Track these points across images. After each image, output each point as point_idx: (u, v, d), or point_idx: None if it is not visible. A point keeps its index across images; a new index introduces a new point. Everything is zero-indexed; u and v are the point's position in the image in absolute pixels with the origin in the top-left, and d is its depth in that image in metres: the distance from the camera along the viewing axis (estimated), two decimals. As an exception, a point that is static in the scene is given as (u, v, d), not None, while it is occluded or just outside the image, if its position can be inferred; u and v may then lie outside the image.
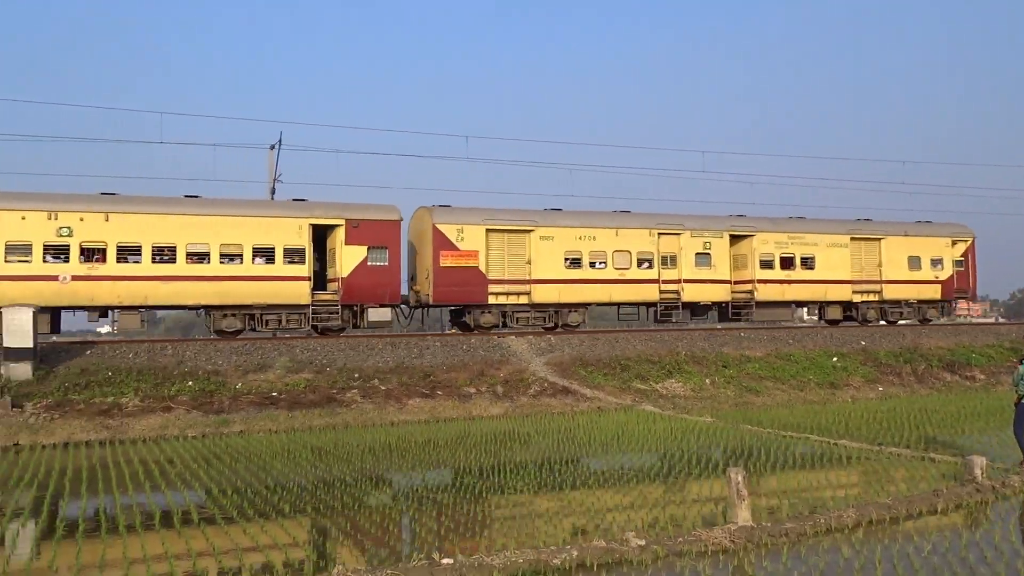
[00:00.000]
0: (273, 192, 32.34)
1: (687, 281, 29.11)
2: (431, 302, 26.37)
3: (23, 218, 22.03)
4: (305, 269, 24.55)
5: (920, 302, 32.76)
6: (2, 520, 10.21)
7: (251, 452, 15.15)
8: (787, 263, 30.60)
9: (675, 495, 10.96)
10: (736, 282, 30.26)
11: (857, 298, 31.80)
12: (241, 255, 23.90)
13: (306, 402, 19.82)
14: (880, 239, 32.28)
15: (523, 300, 27.08)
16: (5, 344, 19.48)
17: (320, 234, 25.56)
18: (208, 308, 24.12)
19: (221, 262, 23.69)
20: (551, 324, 27.42)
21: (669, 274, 28.99)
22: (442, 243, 26.17)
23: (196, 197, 24.55)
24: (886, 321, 32.36)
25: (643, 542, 8.00)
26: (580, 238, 27.93)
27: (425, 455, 14.60)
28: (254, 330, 24.67)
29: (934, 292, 32.89)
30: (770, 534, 8.42)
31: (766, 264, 30.23)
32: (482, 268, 26.58)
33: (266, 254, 24.20)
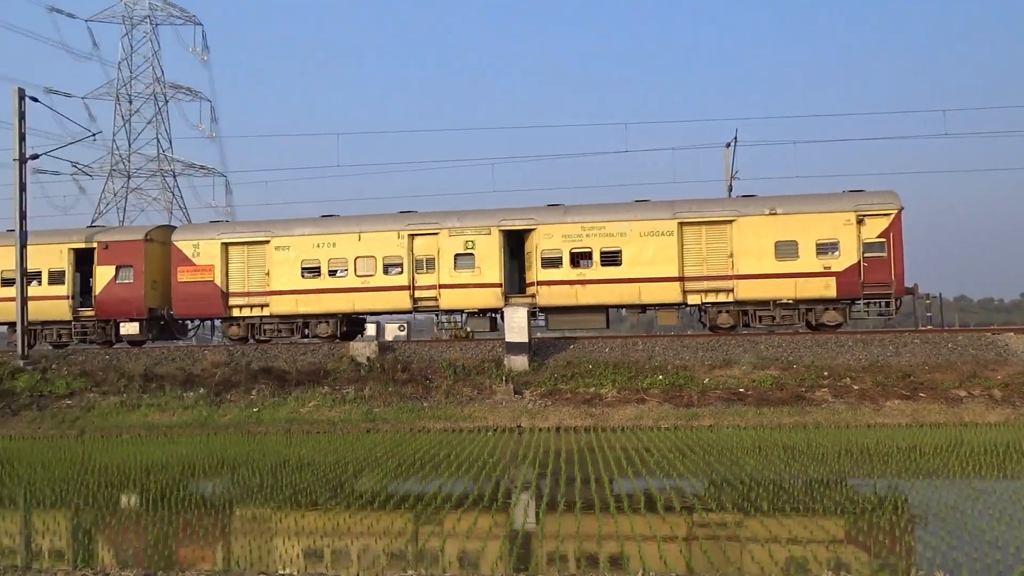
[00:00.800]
0: (731, 189, 32.50)
1: (444, 287, 25.34)
2: (175, 316, 27.30)
3: None
4: (65, 289, 27.08)
5: (802, 302, 23.91)
6: (515, 491, 11.75)
7: (721, 446, 15.34)
8: (581, 259, 24.86)
9: None
10: (528, 284, 25.49)
11: (695, 299, 24.50)
12: (14, 279, 25.78)
13: (773, 399, 19.49)
14: (731, 221, 24.35)
15: (265, 312, 26.44)
16: (507, 339, 22.47)
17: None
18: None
19: (3, 286, 27.02)
20: (298, 336, 26.47)
21: (425, 279, 25.65)
22: (179, 259, 26.94)
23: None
24: (748, 327, 24.47)
25: None
26: (318, 246, 26.43)
27: (910, 463, 13.33)
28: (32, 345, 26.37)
29: (824, 288, 23.72)
30: None
31: (550, 262, 24.85)
32: (218, 282, 26.58)
33: (35, 277, 26.82)
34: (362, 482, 12.58)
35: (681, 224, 24.72)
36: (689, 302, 24.73)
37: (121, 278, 27.46)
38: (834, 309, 23.99)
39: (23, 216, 24.80)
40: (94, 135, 31.99)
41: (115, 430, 19.64)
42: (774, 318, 24.28)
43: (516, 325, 22.36)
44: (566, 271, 24.98)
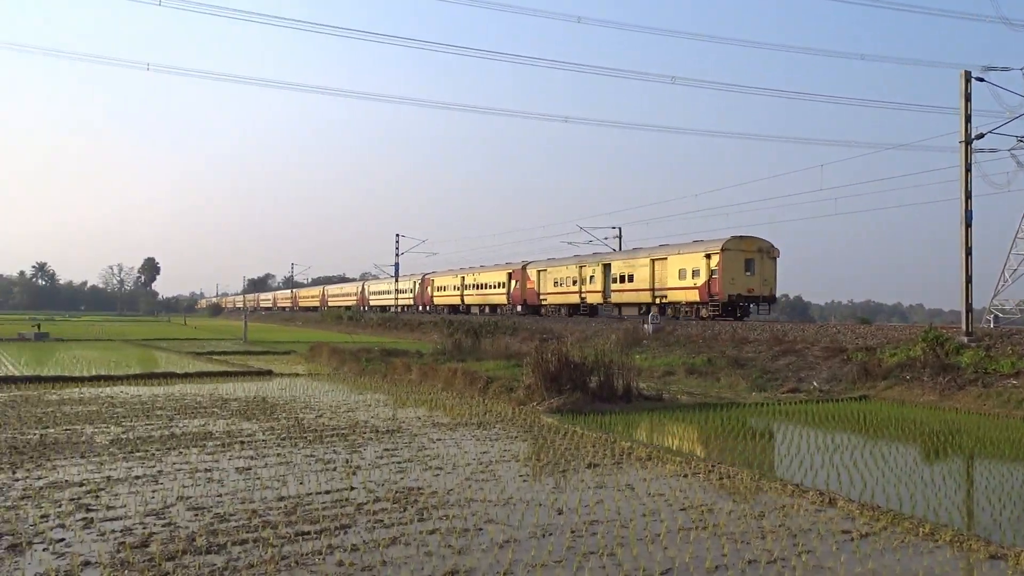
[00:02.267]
0: None
1: (588, 292, 53.78)
2: (528, 304, 61.50)
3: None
4: (505, 287, 66.55)
5: (688, 304, 44.06)
6: None
7: None
8: (623, 279, 49.73)
9: None
10: (612, 292, 51.66)
11: (658, 301, 46.02)
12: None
13: None
14: (666, 258, 45.89)
15: (546, 303, 59.36)
16: None
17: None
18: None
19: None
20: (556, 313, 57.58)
21: (584, 288, 54.02)
22: (527, 278, 61.27)
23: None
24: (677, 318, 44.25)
25: None
26: (558, 271, 57.98)
27: None
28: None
29: (696, 296, 43.03)
30: None
31: (615, 280, 50.58)
32: (535, 289, 59.89)
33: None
34: None
35: (652, 260, 47.02)
36: (656, 302, 46.20)
37: (516, 287, 63.07)
38: (706, 308, 42.22)
39: (968, 196, 25.11)
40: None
41: (1067, 418, 18.22)
42: (684, 313, 44.38)
43: None
44: (619, 285, 49.91)
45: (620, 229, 67.27)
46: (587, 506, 9.51)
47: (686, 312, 43.99)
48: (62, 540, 7.97)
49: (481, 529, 8.48)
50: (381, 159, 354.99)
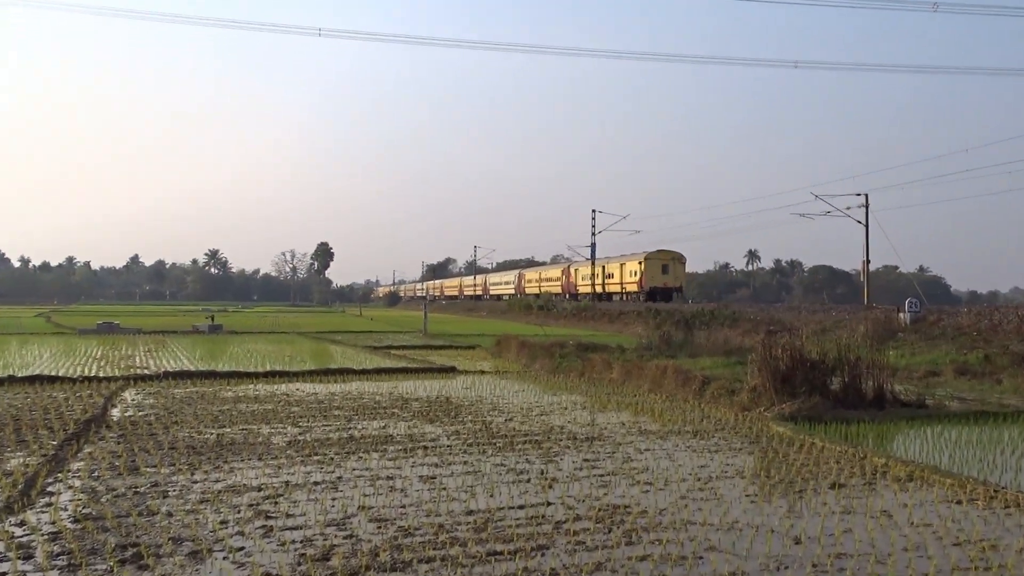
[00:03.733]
0: None
1: (597, 284, 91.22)
2: (571, 294, 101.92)
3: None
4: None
5: (632, 292, 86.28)
6: None
7: None
8: (609, 276, 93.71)
9: None
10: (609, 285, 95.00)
11: (623, 289, 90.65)
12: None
13: None
14: (624, 263, 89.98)
15: (579, 292, 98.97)
16: None
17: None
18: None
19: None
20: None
21: (596, 281, 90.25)
22: (570, 275, 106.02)
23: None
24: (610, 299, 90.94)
25: None
26: (588, 269, 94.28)
27: None
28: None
29: (636, 288, 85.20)
30: None
31: (606, 276, 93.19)
32: (573, 282, 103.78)
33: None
34: None
35: (621, 264, 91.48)
36: (622, 290, 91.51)
37: (564, 280, 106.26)
38: (641, 294, 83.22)
39: None
40: None
41: None
42: (633, 298, 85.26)
43: None
44: (608, 280, 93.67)
45: (867, 197, 63.89)
46: (831, 535, 9.10)
47: (634, 298, 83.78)
48: (242, 549, 8.64)
49: (701, 557, 8.33)
50: (577, 125, 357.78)
